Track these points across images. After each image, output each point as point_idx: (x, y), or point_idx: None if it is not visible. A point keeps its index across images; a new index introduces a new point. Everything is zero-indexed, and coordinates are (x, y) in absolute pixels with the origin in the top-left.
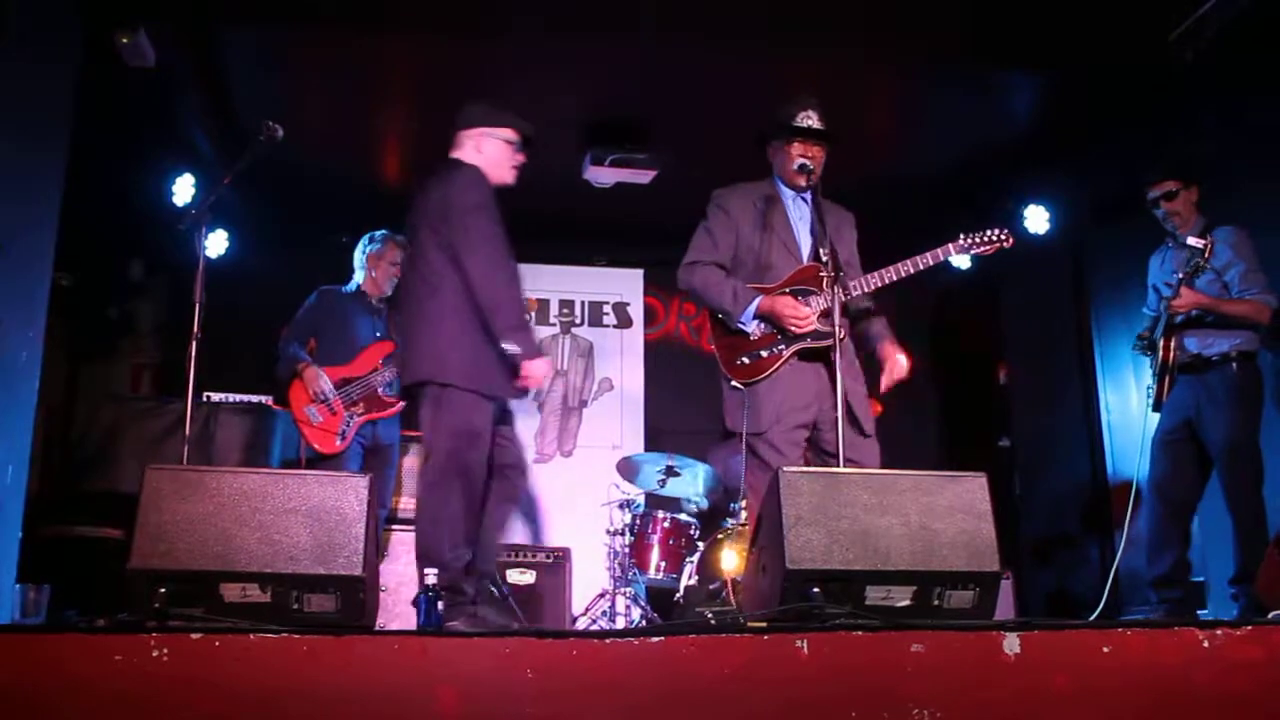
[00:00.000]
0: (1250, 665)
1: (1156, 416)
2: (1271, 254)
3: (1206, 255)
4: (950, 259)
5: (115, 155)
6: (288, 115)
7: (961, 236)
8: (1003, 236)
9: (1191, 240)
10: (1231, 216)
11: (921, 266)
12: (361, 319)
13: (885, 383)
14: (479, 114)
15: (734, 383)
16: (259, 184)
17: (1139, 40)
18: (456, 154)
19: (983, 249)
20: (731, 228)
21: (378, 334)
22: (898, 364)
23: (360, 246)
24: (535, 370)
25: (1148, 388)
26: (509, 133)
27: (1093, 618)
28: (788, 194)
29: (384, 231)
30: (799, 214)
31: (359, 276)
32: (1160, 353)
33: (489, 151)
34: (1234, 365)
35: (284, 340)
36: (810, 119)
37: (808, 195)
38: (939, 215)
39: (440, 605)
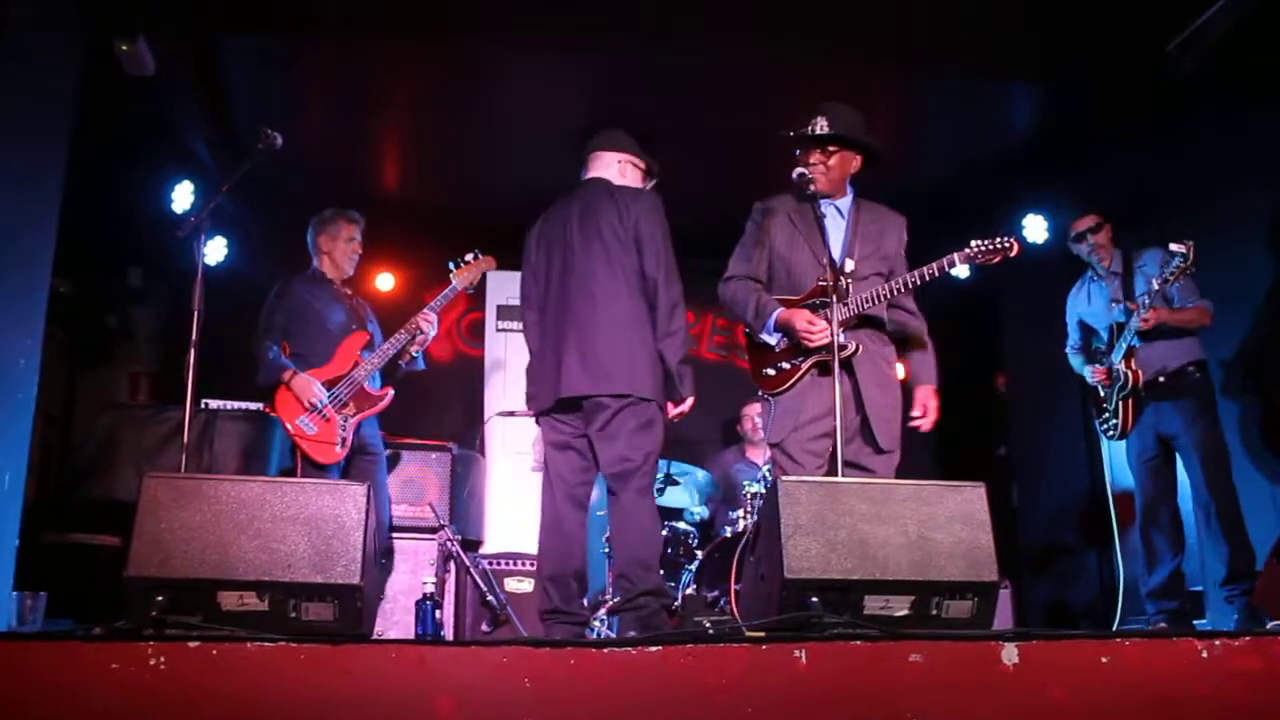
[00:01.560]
0: (1249, 676)
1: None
2: (1273, 263)
3: (1191, 258)
4: (955, 268)
5: (114, 162)
6: (287, 123)
7: (970, 245)
8: (1007, 244)
9: (1174, 246)
10: (1234, 224)
11: (927, 277)
12: (332, 310)
13: (916, 423)
14: (624, 141)
15: (761, 393)
16: (258, 191)
17: (1138, 50)
18: (601, 174)
19: (989, 257)
20: (763, 240)
21: (353, 326)
22: (926, 413)
23: (310, 230)
24: (686, 409)
25: (1108, 420)
26: (645, 166)
27: (1115, 629)
28: (822, 204)
29: (331, 209)
30: (834, 223)
31: (317, 261)
32: (1129, 377)
33: (630, 178)
34: (1196, 376)
35: (261, 345)
36: (818, 125)
37: (844, 203)
38: (937, 226)
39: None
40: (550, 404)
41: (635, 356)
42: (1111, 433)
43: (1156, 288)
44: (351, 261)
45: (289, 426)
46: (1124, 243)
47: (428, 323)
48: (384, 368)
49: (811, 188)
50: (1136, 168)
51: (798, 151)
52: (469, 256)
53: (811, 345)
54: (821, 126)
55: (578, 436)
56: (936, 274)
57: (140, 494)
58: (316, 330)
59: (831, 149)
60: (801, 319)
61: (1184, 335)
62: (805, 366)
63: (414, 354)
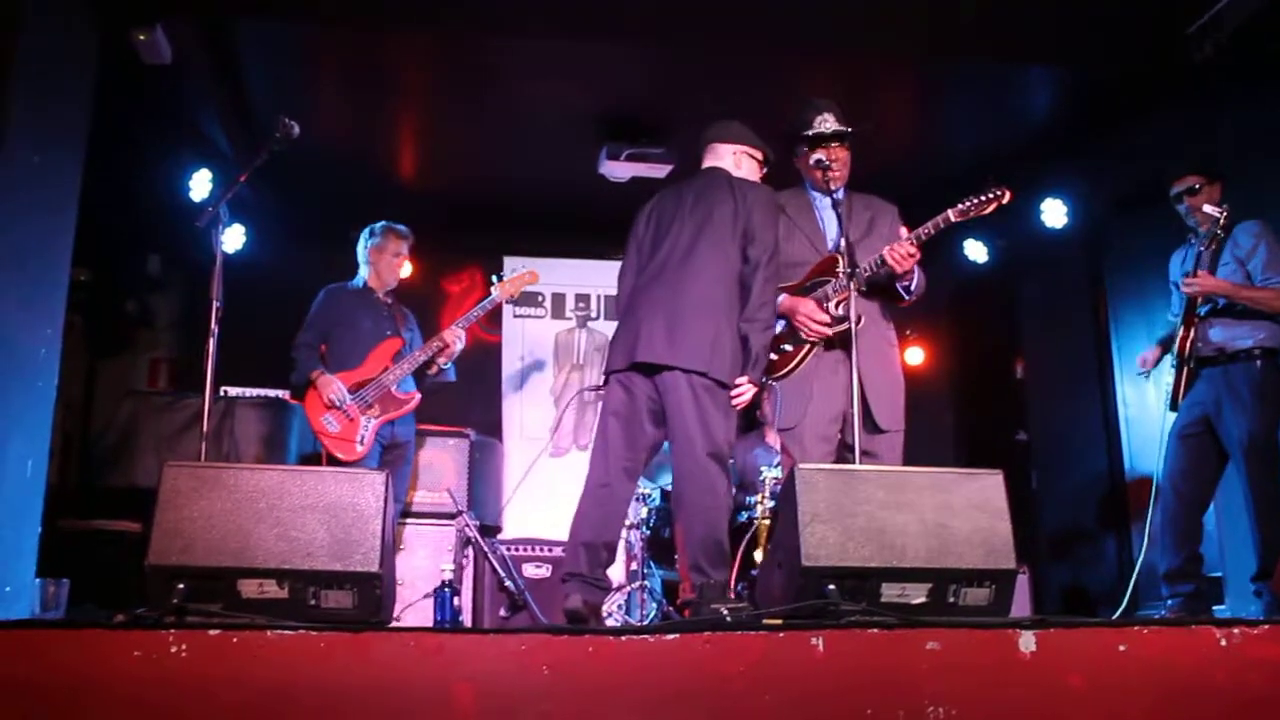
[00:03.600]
0: (1268, 664)
1: (1173, 415)
2: None
3: (1222, 222)
4: (950, 224)
5: (132, 151)
6: (304, 111)
7: (962, 201)
8: (999, 193)
9: (1208, 208)
10: (1254, 208)
11: (924, 237)
12: (368, 318)
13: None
14: (740, 132)
15: (764, 379)
16: (275, 179)
17: (1156, 34)
18: (716, 164)
19: (982, 208)
20: None
21: (387, 332)
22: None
23: (361, 241)
24: (749, 393)
25: (1166, 386)
26: (761, 154)
27: (1116, 616)
28: (817, 196)
29: (383, 224)
30: (829, 213)
31: (363, 272)
32: (1179, 343)
33: (746, 169)
34: (1258, 362)
35: (299, 346)
36: (827, 121)
37: (838, 194)
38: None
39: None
40: (622, 365)
41: (720, 339)
42: (1168, 399)
43: (1200, 250)
44: (395, 275)
45: (314, 423)
46: (1234, 208)
47: (455, 338)
48: (416, 375)
49: (835, 183)
50: (1155, 151)
51: (810, 150)
52: (507, 272)
53: (806, 337)
54: (830, 121)
55: (647, 410)
56: (932, 232)
57: (160, 483)
58: (352, 336)
59: (848, 142)
60: (805, 307)
61: (1259, 316)
62: (808, 347)
63: (442, 366)
